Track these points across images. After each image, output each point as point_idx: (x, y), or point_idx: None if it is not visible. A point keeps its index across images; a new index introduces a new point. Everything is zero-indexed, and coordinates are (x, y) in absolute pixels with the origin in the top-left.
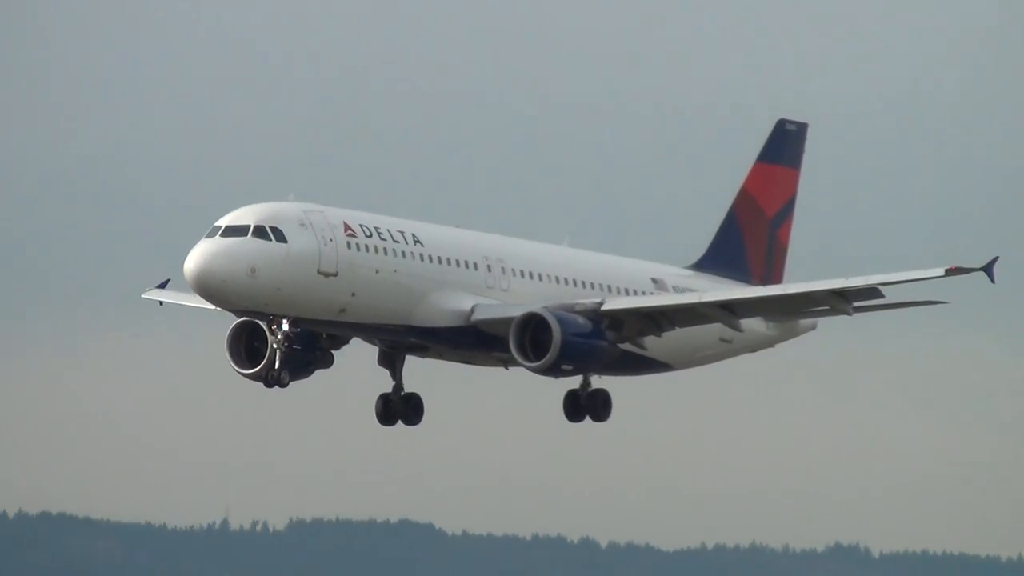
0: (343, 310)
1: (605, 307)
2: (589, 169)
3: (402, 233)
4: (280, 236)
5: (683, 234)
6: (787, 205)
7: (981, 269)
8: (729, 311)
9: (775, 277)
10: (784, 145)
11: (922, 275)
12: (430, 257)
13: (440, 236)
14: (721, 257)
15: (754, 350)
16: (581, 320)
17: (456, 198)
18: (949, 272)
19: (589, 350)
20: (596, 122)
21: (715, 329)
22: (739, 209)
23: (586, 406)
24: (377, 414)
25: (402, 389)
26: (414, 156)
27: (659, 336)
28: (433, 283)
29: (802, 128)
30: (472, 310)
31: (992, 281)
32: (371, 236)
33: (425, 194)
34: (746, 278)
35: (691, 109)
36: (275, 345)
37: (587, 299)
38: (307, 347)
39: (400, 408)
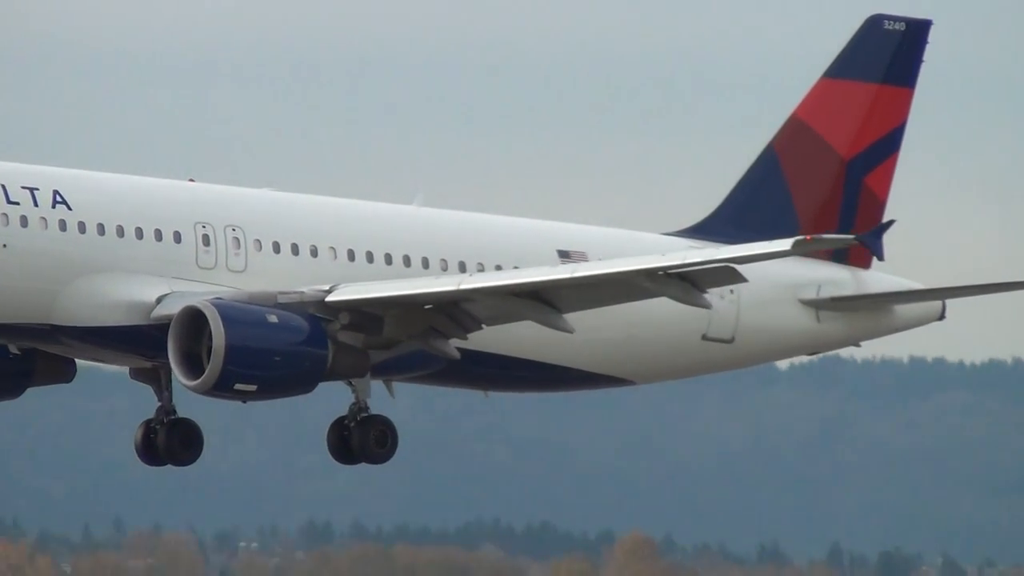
0: None
1: (334, 297)
2: None
3: (32, 191)
4: None
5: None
6: (885, 140)
7: (857, 239)
8: (540, 301)
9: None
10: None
11: (768, 248)
12: (81, 225)
13: (113, 193)
14: (747, 215)
15: (792, 354)
16: (275, 317)
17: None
18: (799, 245)
19: (287, 362)
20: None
21: (684, 319)
22: (785, 147)
23: (355, 442)
24: (137, 448)
25: (170, 413)
26: None
27: (464, 338)
28: (84, 263)
29: (918, 28)
30: (158, 302)
31: (879, 257)
32: None
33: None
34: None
35: None
36: None
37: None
38: None
39: (164, 440)
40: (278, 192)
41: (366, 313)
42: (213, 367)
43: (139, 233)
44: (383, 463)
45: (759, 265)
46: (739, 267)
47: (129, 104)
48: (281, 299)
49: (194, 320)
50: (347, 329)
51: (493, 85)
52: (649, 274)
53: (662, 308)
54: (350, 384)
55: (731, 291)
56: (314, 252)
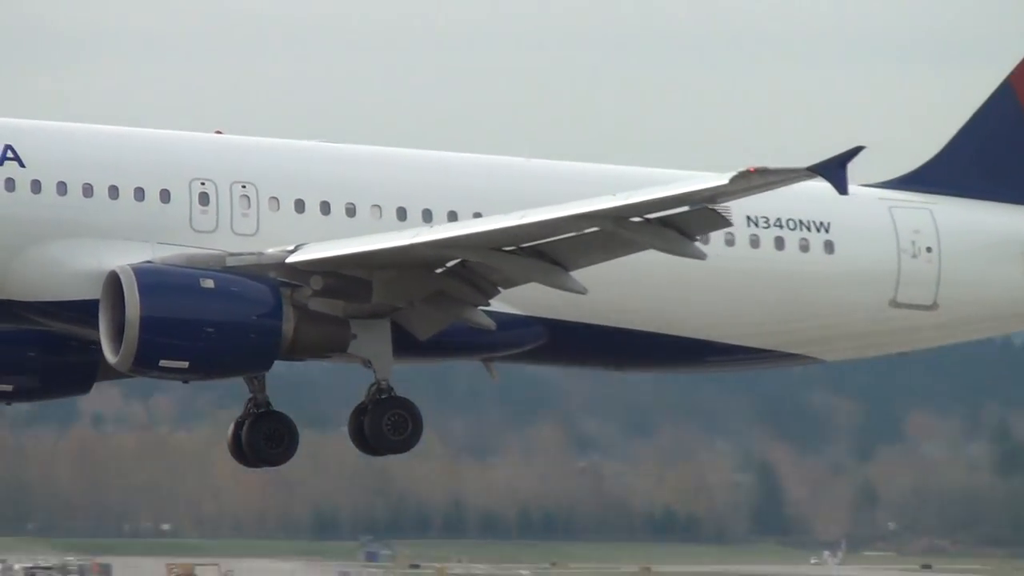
0: None
1: (295, 257)
2: None
3: None
4: None
5: None
6: None
7: (811, 169)
8: (538, 257)
9: None
10: None
11: (699, 186)
12: (35, 184)
13: (82, 147)
14: (979, 160)
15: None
16: (212, 283)
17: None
18: (739, 179)
19: (224, 335)
20: None
21: (863, 280)
22: None
23: (368, 428)
24: (229, 448)
25: (260, 406)
26: None
27: (486, 303)
28: (38, 228)
29: None
30: None
31: (841, 191)
32: None
33: None
34: None
35: None
36: None
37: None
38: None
39: (248, 436)
40: (323, 143)
41: (346, 277)
42: (128, 340)
43: (113, 192)
44: (402, 453)
45: (973, 215)
46: (720, 206)
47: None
48: (231, 261)
49: (116, 288)
50: (322, 295)
51: None
52: (605, 218)
53: (828, 265)
54: (368, 363)
55: (928, 248)
56: (351, 211)
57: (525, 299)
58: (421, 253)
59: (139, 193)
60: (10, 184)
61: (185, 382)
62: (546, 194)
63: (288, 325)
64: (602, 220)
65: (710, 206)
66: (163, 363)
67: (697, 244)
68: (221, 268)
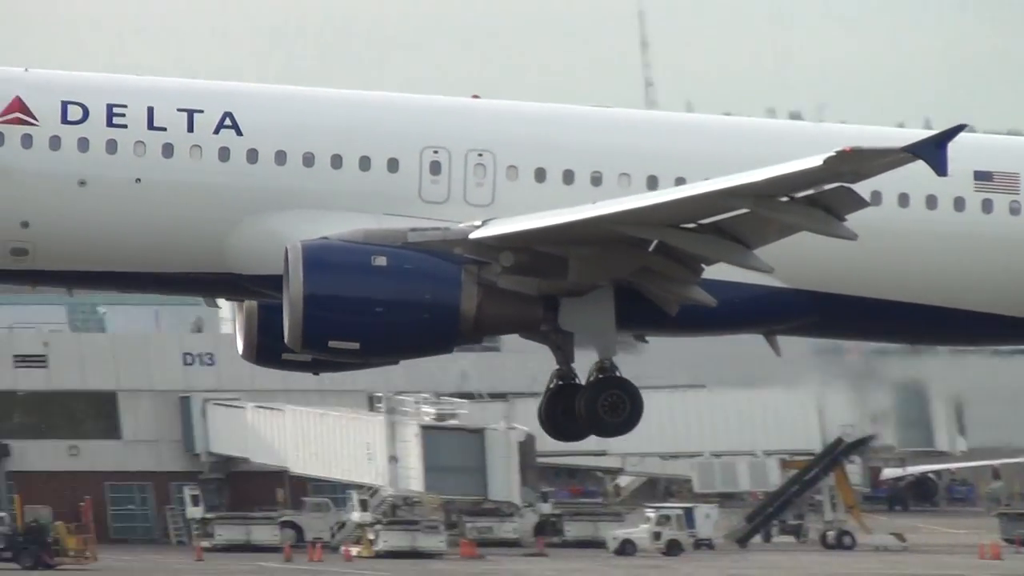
0: (20, 251)
1: (479, 234)
2: None
3: (191, 114)
4: None
5: None
6: None
7: (907, 150)
8: (717, 233)
9: None
10: None
11: (791, 169)
12: (251, 153)
13: (305, 113)
14: None
15: None
16: (384, 260)
17: None
18: (833, 159)
19: (395, 315)
20: None
21: None
22: None
23: (581, 405)
24: (541, 423)
25: (564, 379)
26: None
27: (693, 282)
28: (253, 199)
29: None
30: None
31: (940, 172)
32: (86, 121)
33: None
34: None
35: None
36: None
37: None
38: None
39: (546, 410)
40: (572, 107)
41: (539, 253)
42: (293, 318)
43: (336, 161)
44: (614, 436)
45: None
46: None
47: None
48: (413, 237)
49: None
50: (513, 273)
51: None
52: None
53: None
54: (559, 346)
55: None
56: (596, 180)
57: (791, 271)
58: (592, 230)
59: (364, 162)
60: (224, 153)
61: (359, 365)
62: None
63: (468, 303)
64: (741, 200)
65: (846, 184)
66: (332, 343)
67: (846, 224)
68: (401, 244)
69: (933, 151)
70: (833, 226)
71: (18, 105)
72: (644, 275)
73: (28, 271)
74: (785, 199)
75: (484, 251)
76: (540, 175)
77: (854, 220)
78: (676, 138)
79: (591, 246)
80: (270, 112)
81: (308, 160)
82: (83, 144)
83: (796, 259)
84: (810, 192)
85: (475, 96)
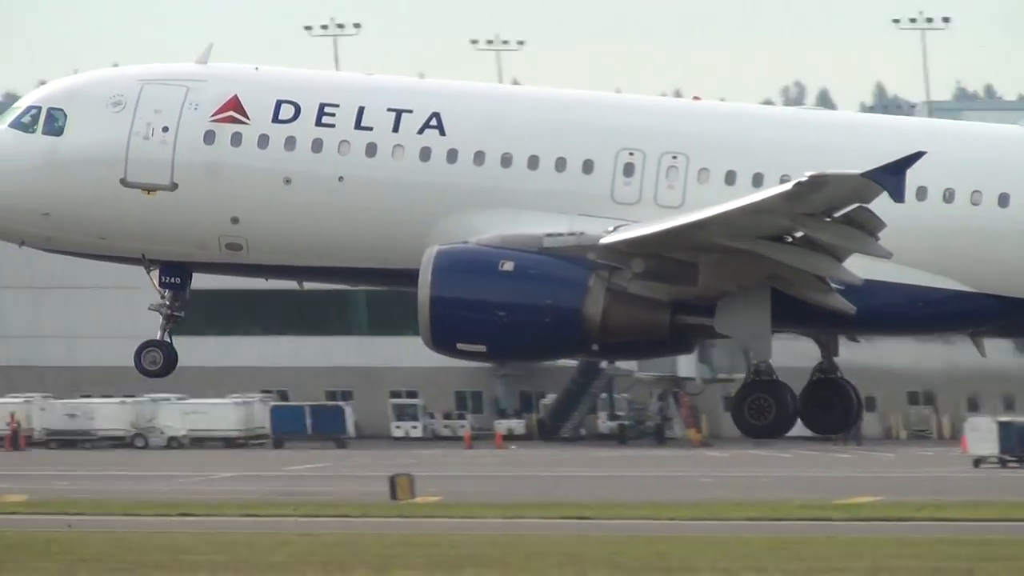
0: (235, 245)
1: (610, 239)
2: None
3: (399, 113)
4: (53, 124)
5: None
6: None
7: (866, 176)
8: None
9: None
10: None
11: (756, 198)
12: (451, 154)
13: (506, 113)
14: None
15: None
16: (511, 265)
17: None
18: (800, 187)
19: (518, 319)
20: None
21: None
22: None
23: (734, 409)
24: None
25: (825, 372)
26: None
27: (827, 286)
28: (453, 198)
29: None
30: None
31: (897, 199)
32: (296, 119)
33: None
34: None
35: None
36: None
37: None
38: None
39: (801, 401)
40: (731, 104)
41: (668, 259)
42: (422, 320)
43: (533, 163)
44: (762, 438)
45: None
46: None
47: None
48: (547, 242)
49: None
50: (643, 279)
51: None
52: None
53: None
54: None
55: None
56: (784, 183)
57: (974, 275)
58: (696, 235)
59: (560, 163)
60: (425, 153)
61: (492, 365)
62: None
63: (593, 307)
64: (777, 218)
65: (863, 205)
66: (460, 346)
67: (880, 243)
68: (536, 250)
69: (890, 178)
70: (870, 245)
71: (234, 103)
72: (773, 283)
73: (244, 264)
74: (827, 219)
75: (616, 256)
76: (730, 178)
77: None
78: (860, 139)
79: (716, 253)
80: (474, 112)
81: (506, 161)
82: (290, 143)
83: (979, 262)
84: (845, 211)
85: (696, 98)
